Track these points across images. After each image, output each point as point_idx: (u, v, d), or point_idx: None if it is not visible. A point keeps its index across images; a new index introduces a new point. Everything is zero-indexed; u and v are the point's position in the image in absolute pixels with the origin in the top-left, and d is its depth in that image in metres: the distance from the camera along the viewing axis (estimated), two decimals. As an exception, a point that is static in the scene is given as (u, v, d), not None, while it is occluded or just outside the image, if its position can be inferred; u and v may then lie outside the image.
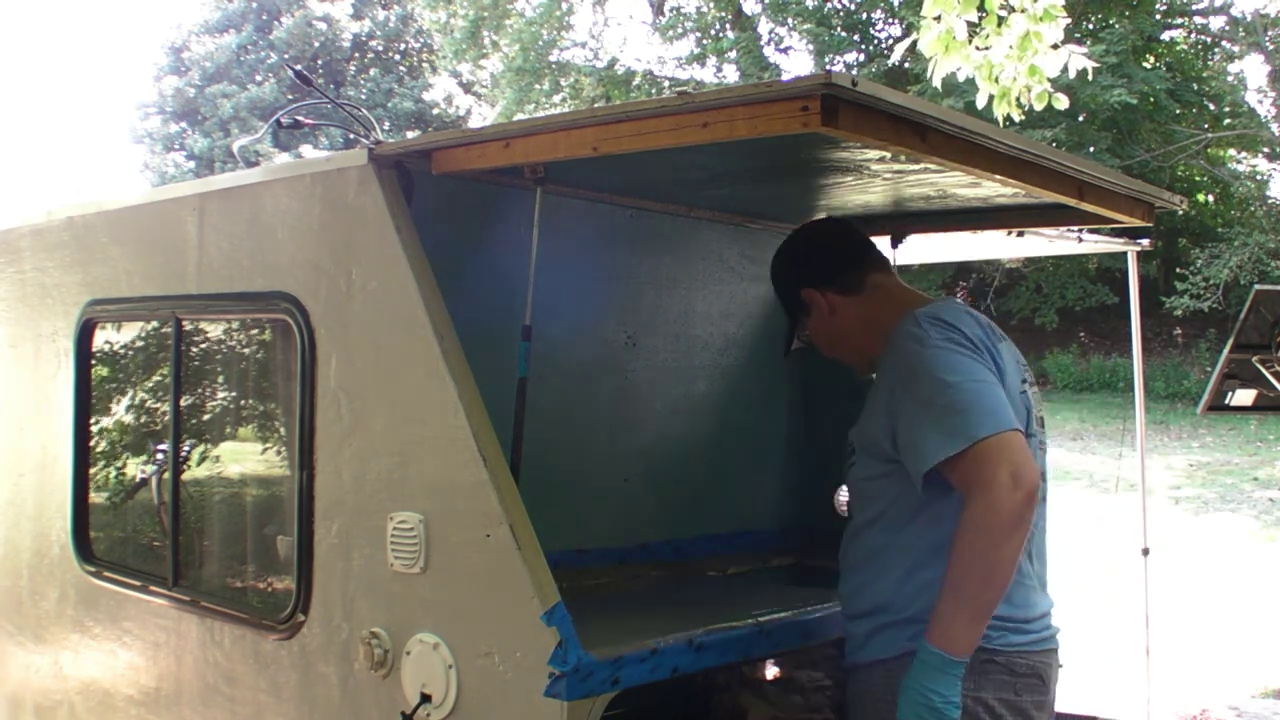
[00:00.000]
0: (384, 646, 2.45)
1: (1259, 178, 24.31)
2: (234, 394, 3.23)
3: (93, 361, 3.55)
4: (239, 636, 2.89)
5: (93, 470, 3.56)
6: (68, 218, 3.58)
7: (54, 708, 3.58)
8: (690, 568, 3.49)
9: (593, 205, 3.22)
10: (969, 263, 21.52)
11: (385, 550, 2.46)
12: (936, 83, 6.53)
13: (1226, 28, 24.45)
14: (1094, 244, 5.16)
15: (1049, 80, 6.53)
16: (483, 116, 34.43)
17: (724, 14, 27.43)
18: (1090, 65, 6.65)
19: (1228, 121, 23.72)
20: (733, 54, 26.99)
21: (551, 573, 2.20)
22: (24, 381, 3.77)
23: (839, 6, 26.63)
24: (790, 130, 1.91)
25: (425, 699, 2.36)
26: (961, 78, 6.71)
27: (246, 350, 3.21)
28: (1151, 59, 24.25)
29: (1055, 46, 6.49)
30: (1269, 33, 22.17)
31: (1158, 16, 24.35)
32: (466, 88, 35.87)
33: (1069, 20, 6.80)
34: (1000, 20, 6.51)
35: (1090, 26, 23.27)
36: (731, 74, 27.13)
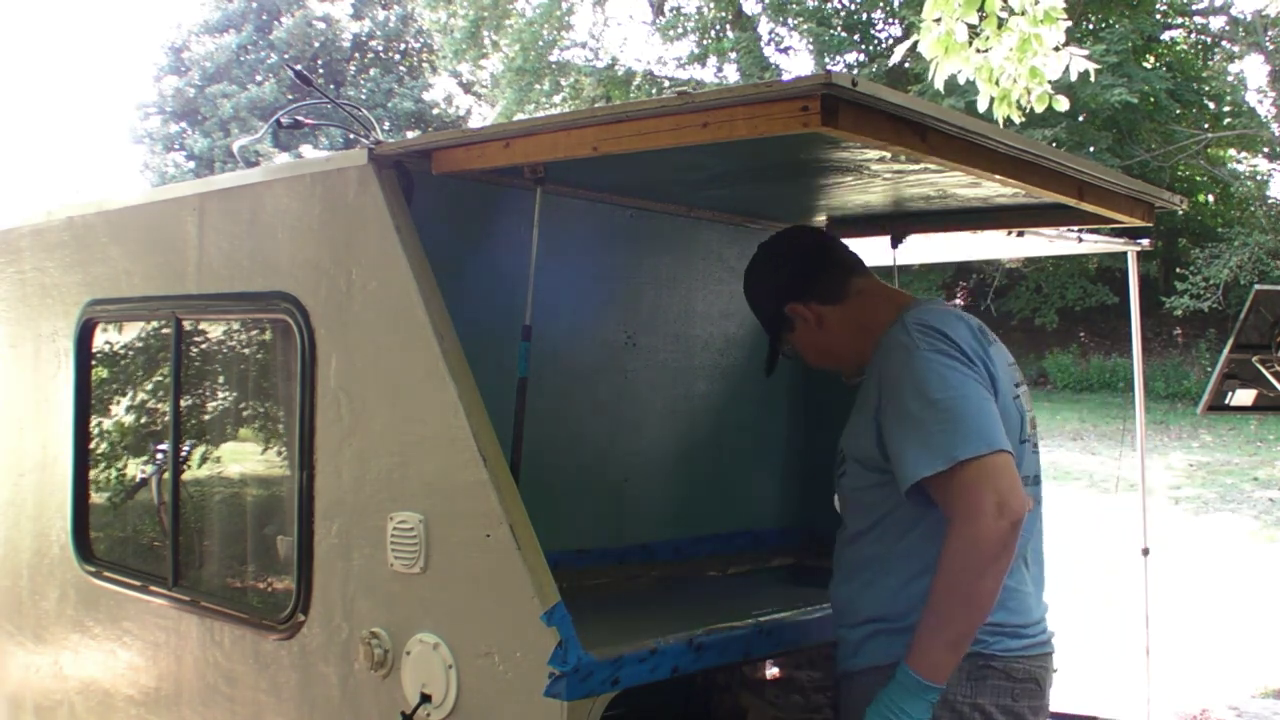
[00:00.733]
0: (384, 646, 2.45)
1: (1259, 178, 24.31)
2: (234, 394, 3.23)
3: (93, 361, 3.55)
4: (239, 636, 2.89)
5: (93, 470, 3.56)
6: (68, 218, 3.58)
7: (54, 708, 3.58)
8: (690, 568, 3.49)
9: (593, 205, 3.22)
10: (969, 263, 21.53)
11: (385, 550, 2.46)
12: (939, 85, 6.53)
13: (1226, 28, 24.47)
14: (1094, 244, 5.16)
15: (1049, 82, 6.53)
16: (483, 116, 34.46)
17: (724, 14, 27.43)
18: (1092, 68, 6.65)
19: (1228, 121, 23.72)
20: (733, 54, 26.99)
21: (551, 573, 2.20)
22: (24, 381, 3.77)
23: (839, 6, 26.62)
24: (790, 130, 1.91)
25: (425, 699, 2.36)
26: (962, 80, 6.71)
27: (246, 350, 3.21)
28: (1151, 59, 24.25)
29: (1056, 49, 6.49)
30: (1269, 33, 22.16)
31: (1158, 16, 24.35)
32: (466, 88, 35.88)
33: (1069, 22, 6.80)
34: (1000, 23, 6.51)
35: (1090, 26, 23.27)
36: (731, 74, 27.15)
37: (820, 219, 3.54)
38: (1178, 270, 21.74)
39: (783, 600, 2.98)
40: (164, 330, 3.28)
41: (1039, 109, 6.60)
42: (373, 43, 35.29)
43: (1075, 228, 4.14)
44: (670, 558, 3.45)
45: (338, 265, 2.61)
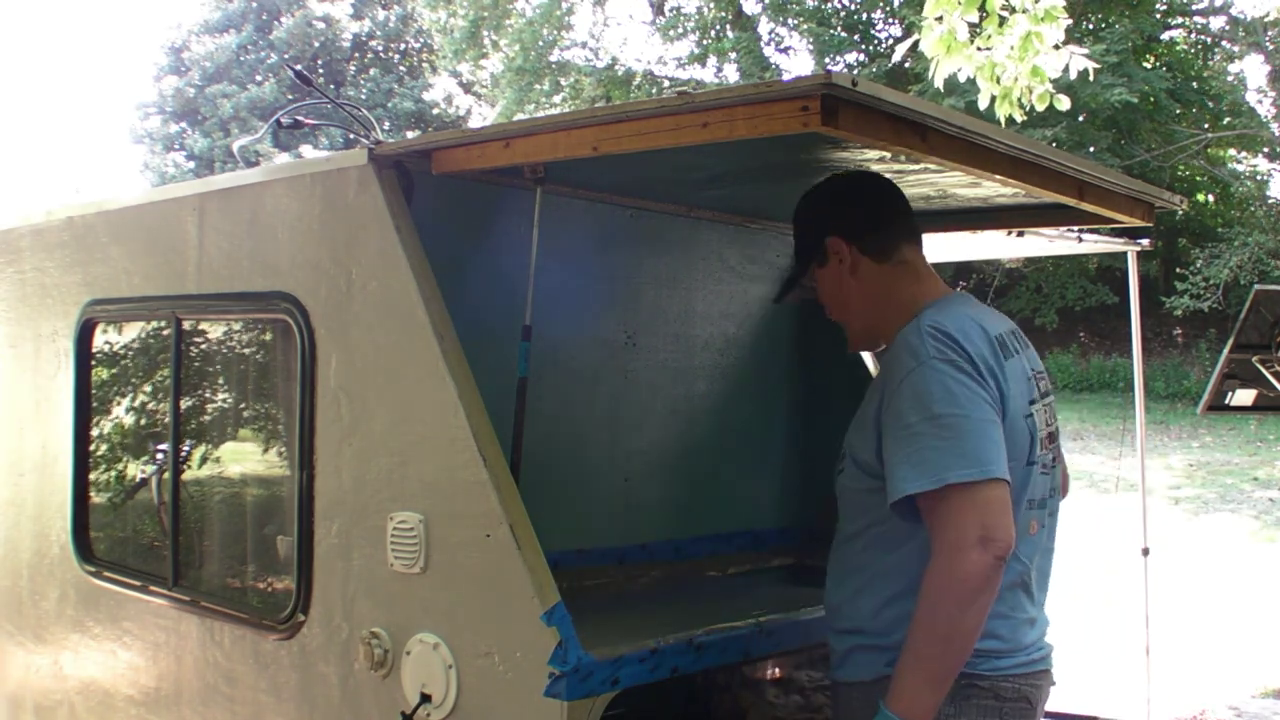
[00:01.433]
0: (384, 646, 2.45)
1: (1259, 178, 24.32)
2: (234, 394, 3.23)
3: (93, 362, 3.55)
4: (239, 636, 2.89)
5: (93, 470, 3.57)
6: (68, 218, 3.58)
7: (54, 708, 3.58)
8: (690, 568, 3.49)
9: (593, 205, 3.22)
10: (969, 263, 21.53)
11: (385, 550, 2.46)
12: (939, 84, 6.54)
13: (1226, 28, 24.47)
14: (1094, 244, 5.17)
15: (1050, 81, 6.53)
16: (483, 116, 34.46)
17: (724, 14, 27.43)
18: (1091, 66, 6.65)
19: (1228, 121, 23.71)
20: (733, 54, 26.99)
21: (551, 573, 2.21)
22: (24, 381, 3.77)
23: (839, 6, 26.63)
24: (790, 130, 1.91)
25: (425, 699, 2.36)
26: (963, 79, 6.71)
27: (246, 350, 3.21)
28: (1152, 59, 24.26)
29: (1056, 47, 6.49)
30: (1269, 33, 22.17)
31: (1158, 16, 24.35)
32: (466, 88, 35.87)
33: (1070, 21, 6.80)
34: (1001, 21, 6.52)
35: (1090, 26, 23.27)
36: (732, 74, 27.15)
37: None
38: (1178, 270, 21.75)
39: (783, 600, 2.99)
40: (164, 330, 3.28)
41: (1040, 108, 6.60)
42: (373, 43, 35.28)
43: (1075, 228, 4.15)
44: (670, 558, 3.45)
45: (338, 265, 2.61)
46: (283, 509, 2.95)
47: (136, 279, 3.32)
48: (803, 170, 2.72)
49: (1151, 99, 22.18)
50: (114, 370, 3.60)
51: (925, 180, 2.69)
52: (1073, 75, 6.62)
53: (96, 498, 3.56)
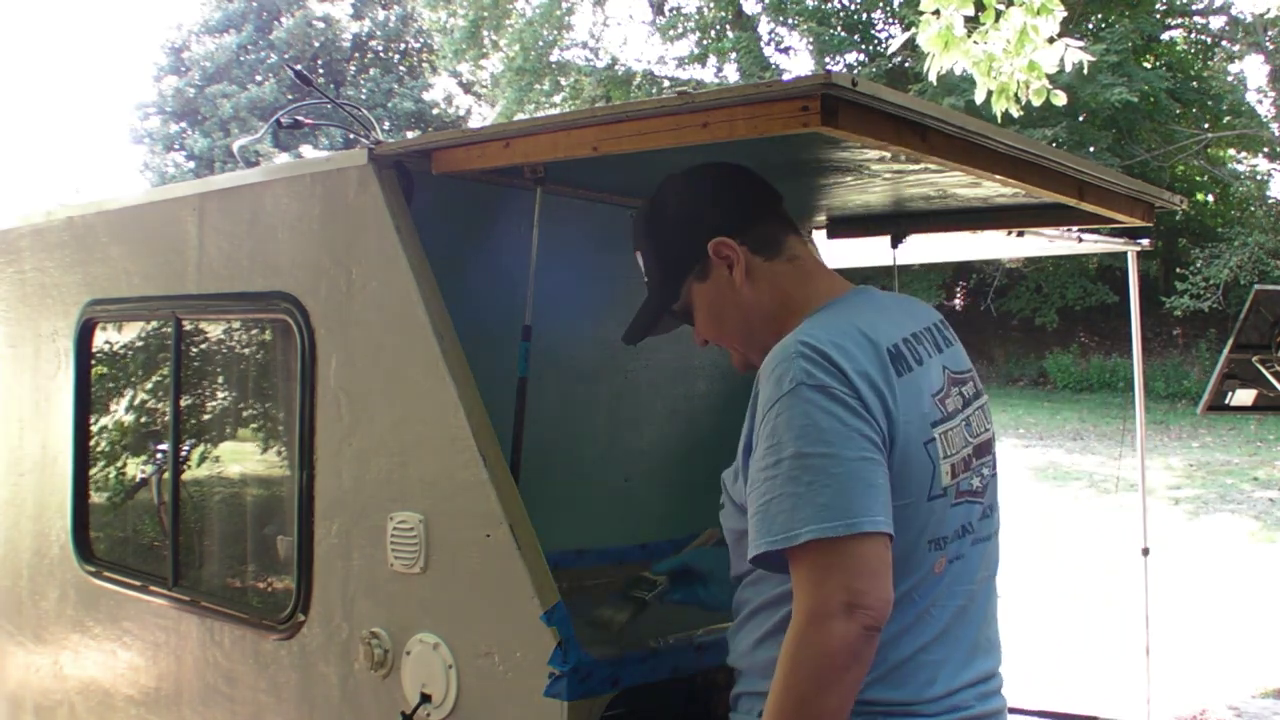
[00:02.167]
0: (384, 646, 2.45)
1: (1259, 178, 24.32)
2: (234, 394, 3.23)
3: (93, 361, 3.55)
4: (239, 636, 2.89)
5: (93, 470, 3.57)
6: (68, 218, 3.58)
7: (54, 708, 3.58)
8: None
9: (593, 205, 3.22)
10: (969, 263, 21.55)
11: (385, 550, 2.46)
12: (933, 77, 6.54)
13: (1226, 28, 24.49)
14: (1094, 244, 5.17)
15: (1047, 76, 6.54)
16: (483, 116, 34.48)
17: (724, 14, 27.44)
18: (1087, 59, 6.66)
19: (1228, 121, 23.73)
20: (733, 54, 27.00)
21: (551, 573, 2.20)
22: (24, 381, 3.78)
23: (839, 6, 26.63)
24: (790, 130, 1.90)
25: (425, 699, 2.36)
26: (959, 73, 6.72)
27: (246, 350, 3.21)
28: (1151, 59, 24.27)
29: (1051, 40, 6.49)
30: (1269, 33, 22.18)
31: (1157, 16, 24.37)
32: (466, 88, 35.89)
33: (1065, 13, 6.80)
34: (998, 14, 6.52)
35: (1090, 26, 23.28)
36: (732, 74, 27.16)
37: (820, 219, 3.53)
38: (1178, 270, 21.76)
39: (783, 600, 2.98)
40: (164, 330, 3.28)
41: (1037, 102, 6.61)
42: (373, 43, 35.30)
43: (1075, 228, 4.14)
44: (670, 558, 3.45)
45: (338, 265, 2.61)
46: (283, 509, 2.95)
47: (136, 279, 3.32)
48: (802, 170, 2.72)
49: (1151, 99, 22.20)
50: (114, 370, 3.60)
51: (925, 180, 2.68)
52: (1069, 69, 6.63)
53: (96, 497, 3.56)
